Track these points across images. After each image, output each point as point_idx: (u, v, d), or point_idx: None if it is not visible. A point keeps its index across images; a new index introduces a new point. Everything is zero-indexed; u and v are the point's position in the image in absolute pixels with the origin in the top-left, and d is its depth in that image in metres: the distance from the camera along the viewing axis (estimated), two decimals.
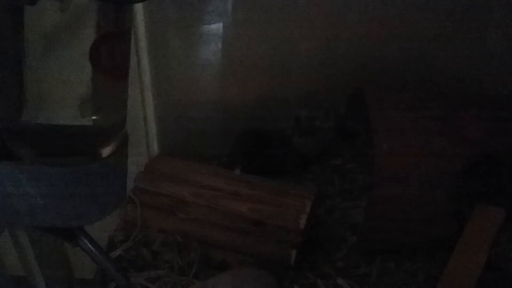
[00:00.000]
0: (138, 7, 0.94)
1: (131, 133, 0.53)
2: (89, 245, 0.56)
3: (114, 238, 0.89)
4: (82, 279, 1.00)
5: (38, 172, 0.43)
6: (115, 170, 0.49)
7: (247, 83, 1.16)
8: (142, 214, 0.90)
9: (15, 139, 0.45)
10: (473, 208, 0.83)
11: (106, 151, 0.49)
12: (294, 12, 1.06)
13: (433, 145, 0.83)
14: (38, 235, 0.72)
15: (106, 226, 0.92)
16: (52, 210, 0.45)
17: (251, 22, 1.09)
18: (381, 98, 0.90)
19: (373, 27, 1.06)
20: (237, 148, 1.09)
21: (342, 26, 1.07)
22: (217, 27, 1.12)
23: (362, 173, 1.06)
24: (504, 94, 0.96)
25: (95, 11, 0.44)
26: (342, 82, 1.08)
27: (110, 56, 0.45)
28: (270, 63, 1.12)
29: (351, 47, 1.09)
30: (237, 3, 1.07)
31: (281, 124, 1.15)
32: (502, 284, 0.79)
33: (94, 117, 0.47)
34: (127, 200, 0.92)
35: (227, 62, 1.15)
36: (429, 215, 0.83)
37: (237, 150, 1.09)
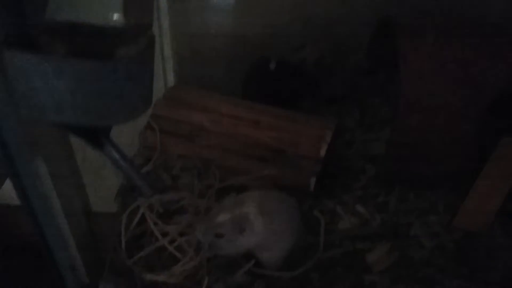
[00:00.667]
0: None
1: None
2: (115, 152, 0.55)
3: (134, 162, 0.89)
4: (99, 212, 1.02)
5: (66, 65, 0.42)
6: (141, 70, 0.47)
7: (264, 14, 1.12)
8: (161, 140, 0.90)
9: (44, 35, 0.44)
10: (498, 140, 0.82)
11: (132, 50, 0.47)
12: None
13: (463, 75, 0.80)
14: (57, 165, 0.72)
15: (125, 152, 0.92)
16: (79, 107, 0.44)
17: None
18: (411, 25, 0.86)
19: None
20: (252, 77, 1.06)
21: None
22: None
23: (384, 107, 1.03)
24: None
25: None
26: (365, 13, 1.03)
27: None
28: None
29: None
30: None
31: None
32: None
33: (121, 16, 0.45)
34: (146, 125, 0.92)
35: None
36: (452, 147, 0.82)
37: (252, 80, 1.06)
